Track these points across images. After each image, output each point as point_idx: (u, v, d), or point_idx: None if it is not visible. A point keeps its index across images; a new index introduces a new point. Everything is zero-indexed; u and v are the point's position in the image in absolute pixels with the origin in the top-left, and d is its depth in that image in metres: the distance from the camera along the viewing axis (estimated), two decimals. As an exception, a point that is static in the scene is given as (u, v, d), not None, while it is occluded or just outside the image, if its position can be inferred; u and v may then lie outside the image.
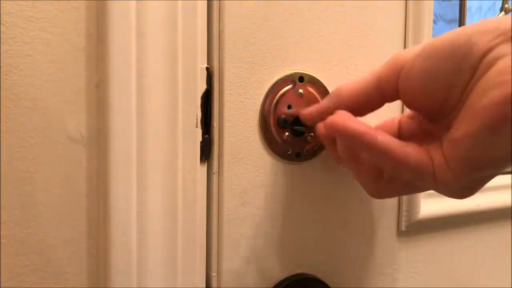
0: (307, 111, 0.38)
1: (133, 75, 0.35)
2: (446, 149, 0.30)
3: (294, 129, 0.41)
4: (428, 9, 0.45)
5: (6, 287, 0.33)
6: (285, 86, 0.40)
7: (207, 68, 0.39)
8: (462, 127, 0.29)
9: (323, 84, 0.42)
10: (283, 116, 0.40)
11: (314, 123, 0.38)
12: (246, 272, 0.41)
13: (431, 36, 0.46)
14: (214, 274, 0.40)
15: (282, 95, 0.40)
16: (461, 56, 0.29)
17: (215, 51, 0.38)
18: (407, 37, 0.45)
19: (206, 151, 0.39)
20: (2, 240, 0.33)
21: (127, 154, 0.35)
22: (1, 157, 0.33)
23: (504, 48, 0.27)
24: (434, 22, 0.47)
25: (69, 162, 0.35)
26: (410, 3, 0.45)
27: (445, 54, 0.29)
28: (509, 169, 0.55)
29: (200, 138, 0.38)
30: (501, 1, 0.62)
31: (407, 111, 0.44)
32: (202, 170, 0.39)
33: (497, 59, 0.27)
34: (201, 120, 0.38)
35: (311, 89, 0.41)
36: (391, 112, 0.44)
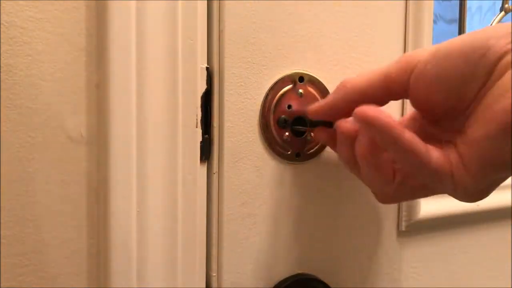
0: (315, 106, 0.38)
1: (133, 75, 0.35)
2: (463, 151, 0.30)
3: (294, 129, 0.41)
4: (428, 9, 0.45)
5: (6, 287, 0.33)
6: (285, 86, 0.40)
7: (207, 68, 0.39)
8: (480, 128, 0.29)
9: (323, 84, 0.42)
10: (283, 116, 0.40)
11: (321, 118, 0.37)
12: (246, 272, 0.41)
13: (431, 36, 0.46)
14: (214, 274, 0.40)
15: (282, 95, 0.40)
16: (478, 57, 0.29)
17: (215, 51, 0.38)
18: (407, 37, 0.45)
19: (206, 151, 0.39)
20: (2, 240, 0.33)
21: (127, 154, 0.35)
22: (1, 157, 0.33)
23: None
24: (434, 22, 0.47)
25: (69, 162, 0.35)
26: (410, 3, 0.45)
27: (462, 55, 0.30)
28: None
29: (200, 138, 0.38)
30: (501, 1, 0.62)
31: (407, 111, 0.44)
32: (202, 170, 0.39)
33: None
34: (201, 120, 0.38)
35: (311, 89, 0.41)
36: (391, 111, 0.44)
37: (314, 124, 0.39)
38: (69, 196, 0.35)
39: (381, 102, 0.35)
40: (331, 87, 0.42)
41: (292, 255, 0.42)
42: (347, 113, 0.35)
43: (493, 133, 0.28)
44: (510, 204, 0.52)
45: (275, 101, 0.40)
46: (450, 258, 0.51)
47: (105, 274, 0.35)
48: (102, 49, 0.34)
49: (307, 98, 0.41)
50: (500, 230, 0.54)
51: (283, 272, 0.42)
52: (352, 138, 0.35)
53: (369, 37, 0.44)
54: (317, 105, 0.38)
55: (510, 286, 0.55)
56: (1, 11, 0.32)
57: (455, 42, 0.31)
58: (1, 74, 0.32)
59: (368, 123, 0.31)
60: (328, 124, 0.38)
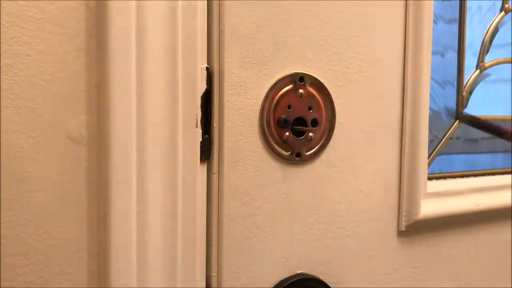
0: None
1: (133, 75, 0.35)
2: None
3: (294, 129, 0.41)
4: (428, 9, 0.46)
5: (6, 287, 0.33)
6: (285, 86, 0.40)
7: (207, 68, 0.39)
8: None
9: (323, 84, 0.42)
10: (283, 116, 0.40)
11: None
12: (246, 272, 0.41)
13: (431, 36, 0.46)
14: (214, 274, 0.40)
15: (282, 95, 0.40)
16: None
17: (215, 51, 0.38)
18: (407, 37, 0.45)
19: (206, 151, 0.39)
20: (2, 240, 0.33)
21: (127, 154, 0.35)
22: (1, 157, 0.33)
23: None
24: (434, 22, 0.47)
25: (69, 162, 0.35)
26: (410, 3, 0.45)
27: None
28: (509, 169, 0.55)
29: (200, 138, 0.38)
30: (501, 1, 0.62)
31: (407, 110, 0.44)
32: (202, 170, 0.39)
33: None
34: (201, 120, 0.38)
35: (311, 89, 0.41)
36: (391, 111, 0.44)
37: None
38: (69, 196, 0.35)
39: None
40: (331, 87, 0.42)
41: (291, 255, 0.42)
42: None
43: None
44: (510, 204, 0.52)
45: (275, 101, 0.40)
46: (450, 258, 0.51)
47: (105, 274, 0.35)
48: (102, 49, 0.34)
49: (307, 98, 0.41)
50: (500, 230, 0.54)
51: (283, 272, 0.42)
52: None
53: (369, 37, 0.44)
54: None
55: (510, 286, 0.55)
56: (1, 11, 0.32)
57: None
58: (1, 74, 0.32)
59: None
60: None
